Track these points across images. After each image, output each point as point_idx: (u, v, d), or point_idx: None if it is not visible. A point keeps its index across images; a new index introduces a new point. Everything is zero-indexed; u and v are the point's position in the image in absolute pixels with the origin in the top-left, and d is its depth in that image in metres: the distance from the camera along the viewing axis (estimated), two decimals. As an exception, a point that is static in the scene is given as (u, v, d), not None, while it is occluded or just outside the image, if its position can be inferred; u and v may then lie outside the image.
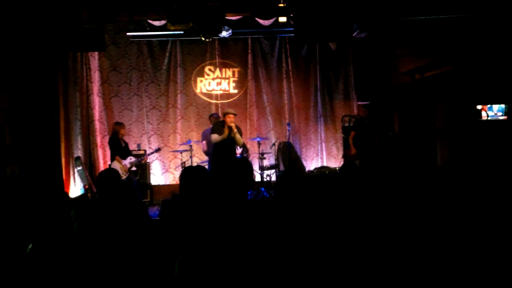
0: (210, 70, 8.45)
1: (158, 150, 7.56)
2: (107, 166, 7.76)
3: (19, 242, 2.72)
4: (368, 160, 6.90)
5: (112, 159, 6.96)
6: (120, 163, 6.83)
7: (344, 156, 8.16)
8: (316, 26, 5.27)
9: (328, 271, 2.22)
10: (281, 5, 5.73)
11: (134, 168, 7.07)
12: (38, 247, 2.39)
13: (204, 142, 6.91)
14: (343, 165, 3.61)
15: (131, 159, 7.00)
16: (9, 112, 5.84)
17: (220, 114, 8.37)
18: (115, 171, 3.31)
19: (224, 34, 6.39)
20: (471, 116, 6.24)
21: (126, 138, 8.07)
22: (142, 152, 7.59)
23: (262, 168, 7.38)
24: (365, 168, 6.60)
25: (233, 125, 6.16)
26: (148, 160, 7.68)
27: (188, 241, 2.44)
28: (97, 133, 8.08)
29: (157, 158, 8.30)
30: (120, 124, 7.14)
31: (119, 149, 6.94)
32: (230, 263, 2.18)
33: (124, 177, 6.81)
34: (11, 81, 5.88)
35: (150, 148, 8.07)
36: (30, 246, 2.32)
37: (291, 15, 6.02)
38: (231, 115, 6.21)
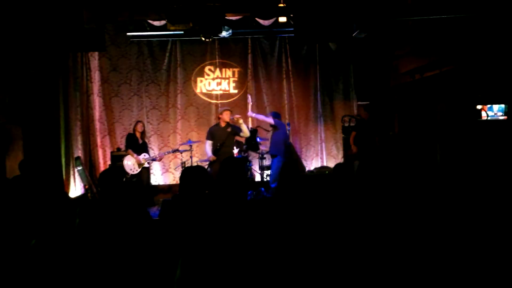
0: (210, 70, 8.45)
1: (176, 150, 7.52)
2: (107, 166, 7.77)
3: (19, 242, 2.72)
4: (368, 160, 6.90)
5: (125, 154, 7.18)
6: (133, 156, 7.04)
7: (344, 156, 8.16)
8: (316, 26, 5.28)
9: (328, 270, 2.22)
10: (281, 5, 5.73)
11: (147, 165, 7.26)
12: (39, 246, 2.39)
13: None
14: (336, 166, 3.58)
15: (145, 156, 7.16)
16: (9, 112, 5.84)
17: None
18: (117, 171, 3.31)
19: (224, 34, 6.40)
20: (471, 116, 6.24)
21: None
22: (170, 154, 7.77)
23: (262, 168, 7.37)
24: (364, 168, 6.60)
25: (237, 118, 6.50)
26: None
27: (188, 242, 2.44)
28: (97, 133, 8.08)
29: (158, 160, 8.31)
30: (135, 123, 7.38)
31: (133, 144, 7.13)
32: (231, 263, 2.18)
33: (135, 171, 6.96)
34: (11, 81, 5.88)
35: (151, 148, 8.08)
36: (33, 242, 2.32)
37: (291, 15, 6.02)
38: (228, 111, 6.56)
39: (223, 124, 6.56)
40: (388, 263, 2.31)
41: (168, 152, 7.56)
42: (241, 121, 6.48)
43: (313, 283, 2.19)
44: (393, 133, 7.98)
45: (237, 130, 6.52)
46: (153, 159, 7.48)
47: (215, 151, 6.46)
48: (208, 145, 6.61)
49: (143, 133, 7.38)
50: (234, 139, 6.75)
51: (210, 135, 6.63)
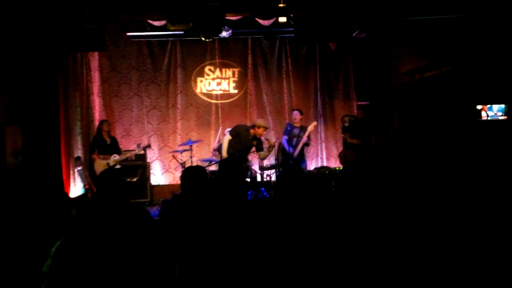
0: (210, 70, 8.45)
1: (147, 147, 7.60)
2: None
3: (19, 242, 2.72)
4: (362, 161, 6.91)
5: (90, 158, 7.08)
6: (99, 159, 6.92)
7: (340, 156, 8.12)
8: (316, 26, 5.28)
9: (328, 270, 2.22)
10: (281, 5, 5.73)
11: (118, 166, 7.00)
12: (40, 246, 2.39)
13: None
14: (344, 167, 3.60)
15: (115, 157, 6.98)
16: (9, 112, 5.84)
17: (220, 115, 8.40)
18: (116, 171, 3.31)
19: (224, 34, 6.39)
20: (471, 116, 6.24)
21: (126, 138, 8.08)
22: (142, 152, 7.62)
23: (262, 168, 7.37)
24: (356, 166, 6.62)
25: (272, 143, 6.47)
26: (134, 158, 7.59)
27: (188, 241, 2.44)
28: (97, 133, 8.08)
29: (157, 158, 8.30)
30: (101, 122, 7.28)
31: (99, 146, 7.02)
32: (230, 263, 2.18)
33: None
34: (11, 81, 5.88)
35: (151, 149, 8.07)
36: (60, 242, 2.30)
37: (291, 15, 6.02)
38: (264, 130, 6.37)
39: (252, 134, 6.36)
40: (388, 262, 2.31)
41: (140, 149, 7.38)
42: (271, 148, 6.43)
43: (313, 283, 2.19)
44: (393, 133, 7.98)
45: (260, 147, 6.47)
46: (126, 160, 7.23)
47: (232, 154, 6.26)
48: (227, 140, 6.37)
49: (109, 132, 7.23)
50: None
51: (235, 132, 6.40)
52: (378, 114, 8.16)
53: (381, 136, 7.85)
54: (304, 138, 7.00)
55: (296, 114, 7.26)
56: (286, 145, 7.08)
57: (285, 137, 7.19)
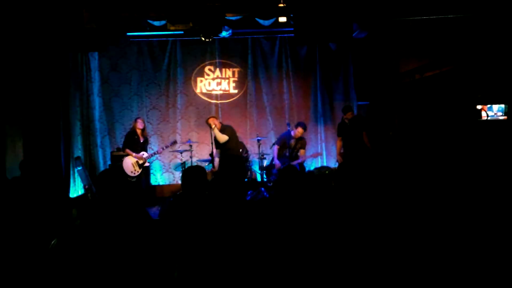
0: (210, 70, 8.46)
1: (174, 143, 7.60)
2: (107, 166, 7.77)
3: (19, 242, 2.72)
4: (352, 161, 6.90)
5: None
6: (131, 155, 6.98)
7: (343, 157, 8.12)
8: (316, 26, 5.29)
9: (326, 270, 2.23)
10: (281, 5, 5.73)
11: (147, 164, 7.13)
12: (39, 247, 2.39)
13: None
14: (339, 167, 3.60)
15: (143, 155, 7.06)
16: (9, 112, 5.84)
17: (220, 115, 8.42)
18: (115, 171, 3.30)
19: (224, 34, 6.41)
20: (471, 116, 6.24)
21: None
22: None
23: (262, 168, 7.37)
24: (345, 169, 6.61)
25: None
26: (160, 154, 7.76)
27: (188, 241, 2.44)
28: (97, 133, 8.09)
29: (157, 158, 8.30)
30: (135, 120, 7.30)
31: (133, 143, 7.05)
32: (230, 263, 2.18)
33: (136, 173, 6.90)
34: (11, 81, 5.89)
35: (150, 148, 8.07)
36: (54, 241, 2.30)
37: (291, 15, 6.03)
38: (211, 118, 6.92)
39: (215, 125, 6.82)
40: (386, 261, 2.31)
41: (167, 146, 7.44)
42: (212, 126, 6.73)
43: (312, 283, 2.19)
44: (393, 133, 7.97)
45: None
46: (154, 154, 7.42)
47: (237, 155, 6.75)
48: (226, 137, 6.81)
49: (144, 130, 7.25)
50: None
51: (230, 133, 6.85)
52: (378, 114, 8.16)
53: (380, 135, 7.84)
54: (297, 162, 6.93)
55: (299, 132, 7.02)
56: (275, 157, 6.97)
57: (276, 146, 7.01)
